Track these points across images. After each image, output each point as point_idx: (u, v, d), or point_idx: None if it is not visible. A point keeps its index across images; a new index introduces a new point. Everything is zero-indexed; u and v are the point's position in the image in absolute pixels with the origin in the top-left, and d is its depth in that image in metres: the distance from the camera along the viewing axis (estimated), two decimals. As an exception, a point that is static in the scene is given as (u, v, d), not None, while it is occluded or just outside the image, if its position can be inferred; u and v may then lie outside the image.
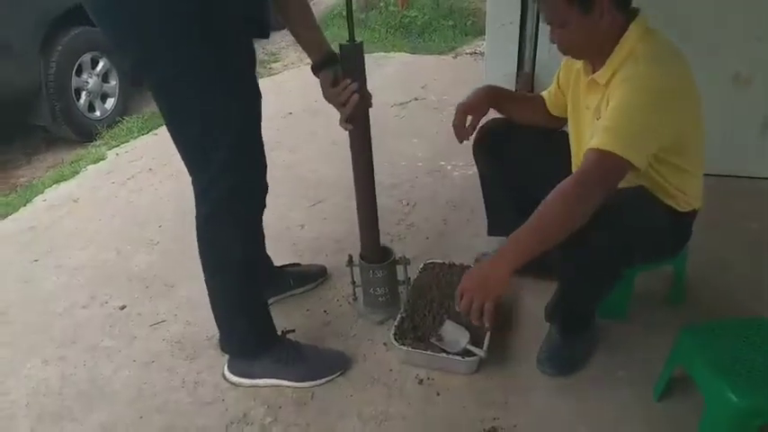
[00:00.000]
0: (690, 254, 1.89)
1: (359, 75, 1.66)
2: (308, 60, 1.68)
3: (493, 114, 1.96)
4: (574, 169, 1.72)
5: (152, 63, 1.41)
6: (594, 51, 1.54)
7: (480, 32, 5.48)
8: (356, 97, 1.64)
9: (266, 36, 1.52)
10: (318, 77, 1.67)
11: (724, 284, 2.07)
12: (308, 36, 1.63)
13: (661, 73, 1.45)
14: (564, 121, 1.86)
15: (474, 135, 1.92)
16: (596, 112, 1.58)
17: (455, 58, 5.05)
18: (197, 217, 1.63)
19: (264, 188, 1.71)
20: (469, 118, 1.88)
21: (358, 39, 1.64)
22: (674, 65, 1.48)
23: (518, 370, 1.80)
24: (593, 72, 1.58)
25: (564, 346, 1.79)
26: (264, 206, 1.72)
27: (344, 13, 6.34)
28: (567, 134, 1.82)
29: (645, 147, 1.44)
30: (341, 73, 1.65)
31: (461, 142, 1.90)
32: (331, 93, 1.66)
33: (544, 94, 1.93)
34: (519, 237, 1.41)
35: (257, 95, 1.57)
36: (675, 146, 1.52)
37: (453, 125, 1.87)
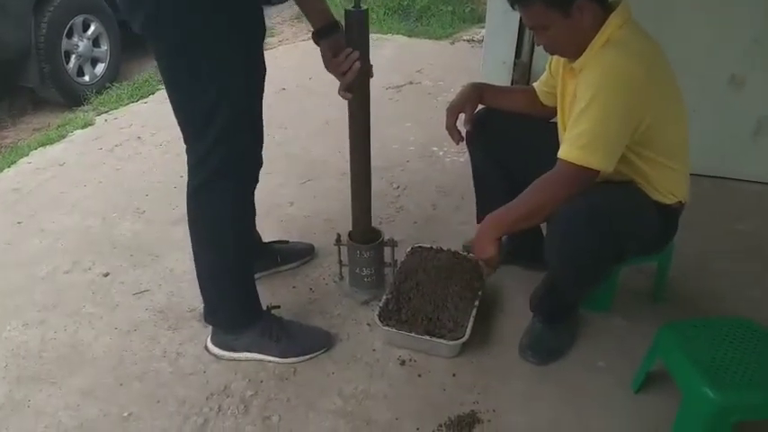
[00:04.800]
0: (675, 252, 1.91)
1: (362, 42, 1.64)
2: (304, 37, 1.66)
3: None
4: None
5: (161, 26, 1.39)
6: (579, 48, 1.54)
7: (478, 20, 5.44)
8: (357, 65, 1.61)
9: (269, 2, 1.51)
10: (319, 46, 1.64)
11: (707, 284, 2.10)
12: (312, 3, 1.61)
13: (627, 59, 1.45)
14: (554, 110, 1.86)
15: (468, 122, 1.92)
16: (573, 98, 1.59)
17: (452, 44, 5.02)
18: (189, 188, 1.61)
19: (259, 163, 1.70)
20: (461, 116, 1.88)
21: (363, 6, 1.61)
22: (643, 52, 1.49)
23: (500, 356, 1.81)
24: (575, 60, 1.58)
25: (546, 335, 1.81)
26: (257, 181, 1.71)
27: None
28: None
29: (609, 151, 1.47)
30: (343, 41, 1.62)
31: (458, 144, 1.91)
32: (332, 62, 1.63)
33: (536, 84, 1.93)
34: (500, 213, 1.60)
35: (262, 69, 1.56)
36: (649, 140, 1.53)
37: (447, 128, 1.88)
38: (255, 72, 1.55)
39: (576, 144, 1.46)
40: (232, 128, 1.49)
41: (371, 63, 1.70)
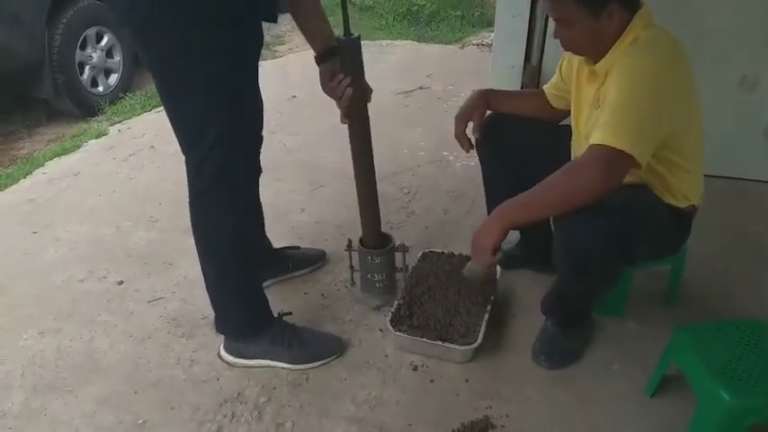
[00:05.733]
0: (688, 254, 1.90)
1: (355, 69, 1.66)
2: (314, 46, 1.67)
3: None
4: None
5: (152, 35, 1.39)
6: (599, 50, 1.53)
7: (487, 24, 5.45)
8: (349, 92, 1.64)
9: (274, 20, 1.51)
10: (319, 68, 1.67)
11: (721, 286, 2.08)
12: (313, 27, 1.63)
13: (656, 58, 1.44)
14: (564, 113, 1.85)
15: (477, 129, 1.92)
16: (594, 102, 1.57)
17: (462, 48, 5.02)
18: (190, 196, 1.62)
19: (257, 169, 1.71)
20: (470, 124, 1.88)
21: (357, 32, 1.63)
22: (671, 53, 1.48)
23: (513, 360, 1.81)
24: (596, 63, 1.57)
25: (559, 339, 1.80)
26: (257, 187, 1.71)
27: (349, -2, 6.27)
28: (570, 127, 1.82)
29: (646, 140, 1.42)
30: (338, 66, 1.65)
31: (467, 152, 1.90)
32: (328, 85, 1.67)
33: (545, 87, 1.92)
34: (512, 202, 1.49)
35: (255, 79, 1.56)
36: (671, 141, 1.51)
37: (456, 136, 1.88)
38: (245, 83, 1.54)
39: (607, 130, 1.40)
40: (224, 135, 1.48)
41: (370, 87, 1.73)
